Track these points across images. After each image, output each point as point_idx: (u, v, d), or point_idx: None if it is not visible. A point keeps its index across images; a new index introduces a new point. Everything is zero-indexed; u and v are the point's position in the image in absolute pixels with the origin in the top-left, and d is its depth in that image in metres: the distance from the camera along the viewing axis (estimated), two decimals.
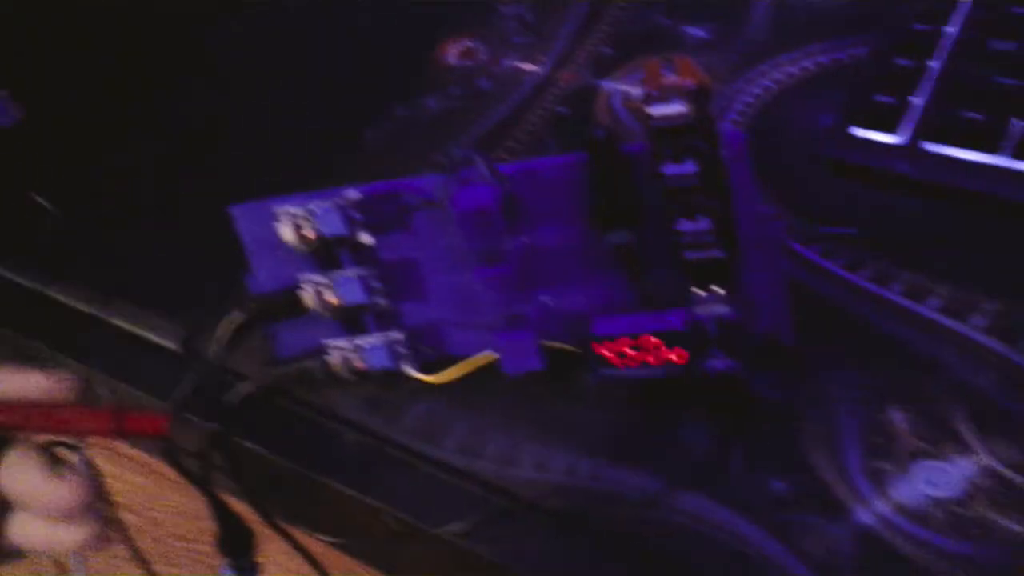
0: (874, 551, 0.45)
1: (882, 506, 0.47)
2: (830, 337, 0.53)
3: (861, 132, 0.57)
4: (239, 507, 0.61)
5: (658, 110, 0.42)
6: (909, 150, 0.56)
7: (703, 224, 0.45)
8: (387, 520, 0.54)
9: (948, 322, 0.52)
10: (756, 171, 0.57)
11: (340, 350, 0.54)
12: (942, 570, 0.44)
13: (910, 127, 0.56)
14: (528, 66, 0.68)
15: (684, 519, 0.48)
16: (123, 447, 1.30)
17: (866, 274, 0.55)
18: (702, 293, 0.48)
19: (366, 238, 0.50)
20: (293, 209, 0.50)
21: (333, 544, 0.57)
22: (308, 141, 0.66)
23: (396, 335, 0.53)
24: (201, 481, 0.59)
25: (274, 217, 0.50)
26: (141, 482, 1.34)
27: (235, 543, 0.63)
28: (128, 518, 1.27)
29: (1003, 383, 0.49)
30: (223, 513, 0.60)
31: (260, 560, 0.66)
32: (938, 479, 0.47)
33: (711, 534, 0.47)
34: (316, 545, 0.62)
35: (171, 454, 0.60)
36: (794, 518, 0.47)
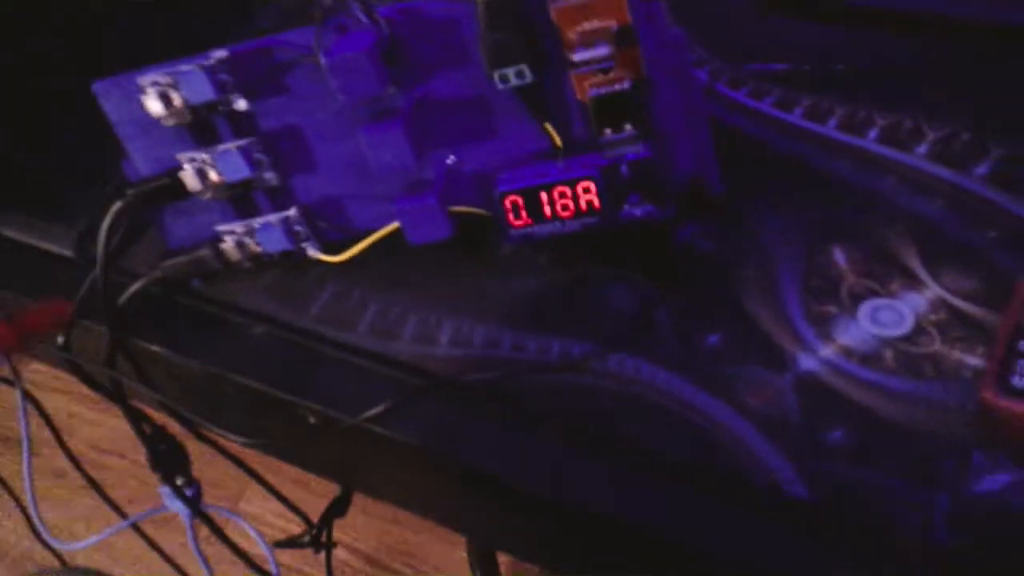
0: (822, 399, 0.41)
1: (828, 351, 0.42)
2: (763, 181, 0.48)
3: None
4: (164, 421, 0.57)
5: None
6: None
7: (601, 49, 0.40)
8: (304, 415, 0.50)
9: (890, 153, 0.47)
10: (677, 15, 0.52)
11: (234, 235, 0.49)
12: (894, 413, 0.40)
13: None
14: None
15: (614, 383, 0.44)
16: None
17: (799, 112, 0.50)
18: (612, 134, 0.43)
19: (241, 103, 0.45)
20: (157, 77, 0.45)
21: (252, 445, 0.53)
22: (195, 24, 0.61)
23: (292, 213, 0.48)
24: (112, 394, 0.55)
25: (139, 90, 0.45)
26: (124, 426, 1.32)
27: (165, 460, 0.59)
28: (113, 462, 1.23)
29: (951, 210, 0.45)
30: (143, 428, 0.56)
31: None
32: (886, 318, 0.43)
33: (645, 395, 0.43)
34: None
35: (78, 368, 0.55)
36: (733, 372, 0.43)
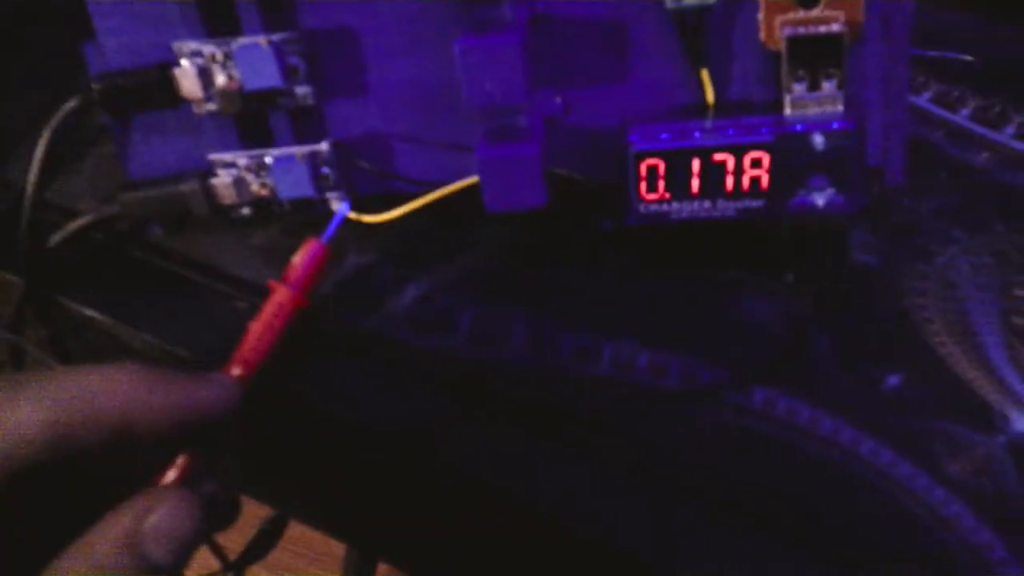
0: None
1: None
2: (935, 186, 0.38)
3: None
4: None
5: None
6: None
7: None
8: None
9: None
10: None
11: (233, 168, 0.35)
12: None
13: None
14: None
15: (757, 424, 0.32)
16: None
17: (966, 112, 0.40)
18: (805, 91, 0.32)
19: None
20: None
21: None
22: None
23: (323, 148, 0.35)
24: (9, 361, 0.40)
25: None
26: None
27: None
28: None
29: None
30: None
31: None
32: None
33: (801, 446, 0.32)
34: None
35: None
36: (924, 426, 0.32)
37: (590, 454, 0.33)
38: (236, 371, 0.30)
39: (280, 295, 0.31)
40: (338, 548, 0.88)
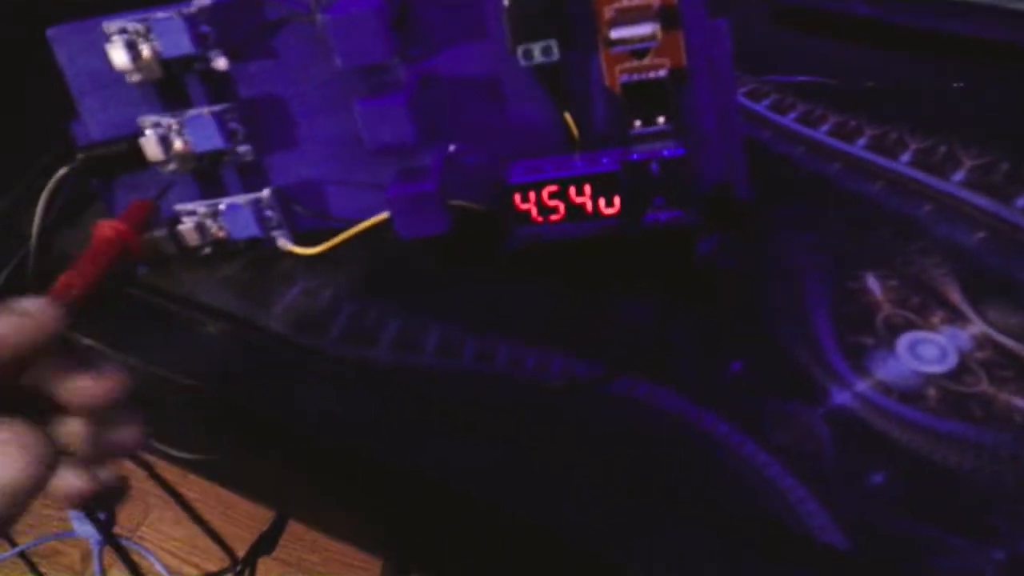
0: (860, 437, 0.37)
1: (864, 385, 0.38)
2: (787, 197, 0.44)
3: None
4: None
5: None
6: None
7: (644, 27, 0.36)
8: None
9: (924, 178, 0.44)
10: None
11: (194, 215, 0.43)
12: (941, 457, 0.36)
13: None
14: None
15: (622, 409, 0.39)
16: None
17: (825, 129, 0.46)
18: (642, 126, 0.39)
19: (220, 62, 0.40)
20: (127, 23, 0.39)
21: (194, 462, 0.46)
22: None
23: (264, 195, 0.43)
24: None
25: (104, 37, 0.40)
26: None
27: None
28: None
29: (993, 242, 0.41)
30: None
31: None
32: (927, 352, 0.39)
33: (658, 425, 0.38)
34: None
35: None
36: (758, 403, 0.38)
37: (490, 438, 0.39)
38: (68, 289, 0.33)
39: (105, 229, 0.34)
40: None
